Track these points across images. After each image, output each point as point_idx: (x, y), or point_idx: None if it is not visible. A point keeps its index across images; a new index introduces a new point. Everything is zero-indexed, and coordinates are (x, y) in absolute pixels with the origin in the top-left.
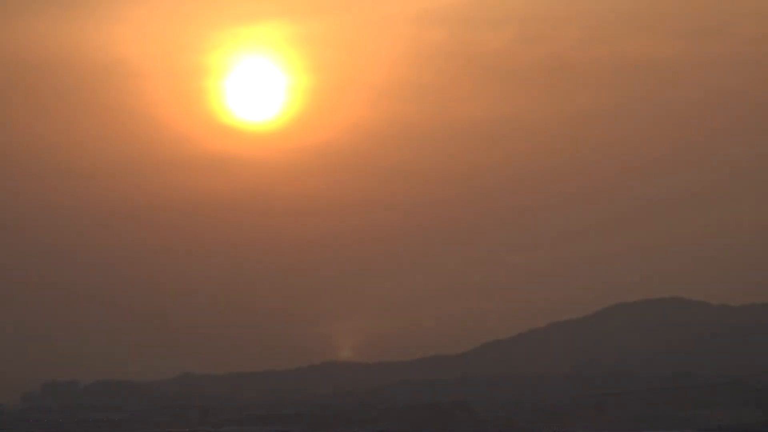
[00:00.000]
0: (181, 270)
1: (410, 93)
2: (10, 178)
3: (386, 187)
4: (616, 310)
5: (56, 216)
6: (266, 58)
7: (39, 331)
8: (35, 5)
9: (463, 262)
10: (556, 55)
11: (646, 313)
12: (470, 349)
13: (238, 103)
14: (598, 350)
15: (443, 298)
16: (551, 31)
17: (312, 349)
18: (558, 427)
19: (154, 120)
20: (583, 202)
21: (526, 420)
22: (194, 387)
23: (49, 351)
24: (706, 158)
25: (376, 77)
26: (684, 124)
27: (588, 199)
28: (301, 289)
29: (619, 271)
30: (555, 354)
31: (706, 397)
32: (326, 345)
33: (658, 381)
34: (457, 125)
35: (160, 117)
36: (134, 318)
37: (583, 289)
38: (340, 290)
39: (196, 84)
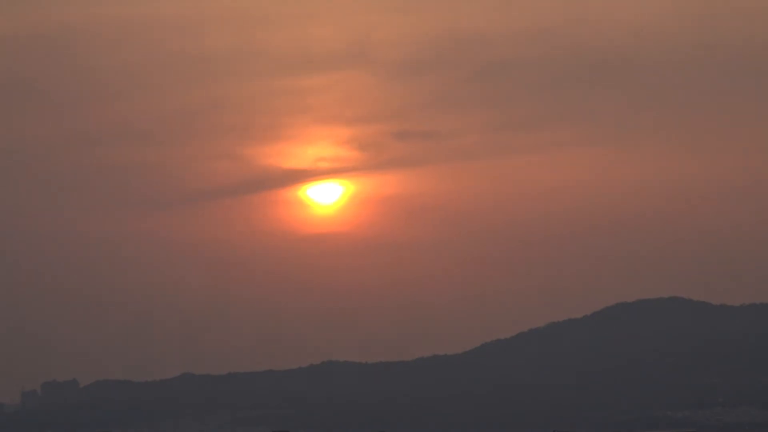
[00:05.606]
0: (181, 270)
1: None
2: (10, 176)
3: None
4: (616, 310)
5: (55, 216)
6: None
7: (39, 331)
8: None
9: (462, 261)
10: None
11: (646, 313)
12: (470, 349)
13: None
14: (597, 350)
15: (442, 297)
16: None
17: (312, 349)
18: (558, 426)
19: None
20: (584, 200)
21: (527, 419)
22: (194, 387)
23: (49, 351)
24: (706, 158)
25: None
26: (684, 124)
27: (588, 198)
28: (301, 290)
29: (619, 271)
30: (555, 354)
31: (706, 397)
32: (326, 345)
33: (658, 381)
34: None
35: None
36: (134, 318)
37: (583, 289)
38: (340, 290)
39: None
